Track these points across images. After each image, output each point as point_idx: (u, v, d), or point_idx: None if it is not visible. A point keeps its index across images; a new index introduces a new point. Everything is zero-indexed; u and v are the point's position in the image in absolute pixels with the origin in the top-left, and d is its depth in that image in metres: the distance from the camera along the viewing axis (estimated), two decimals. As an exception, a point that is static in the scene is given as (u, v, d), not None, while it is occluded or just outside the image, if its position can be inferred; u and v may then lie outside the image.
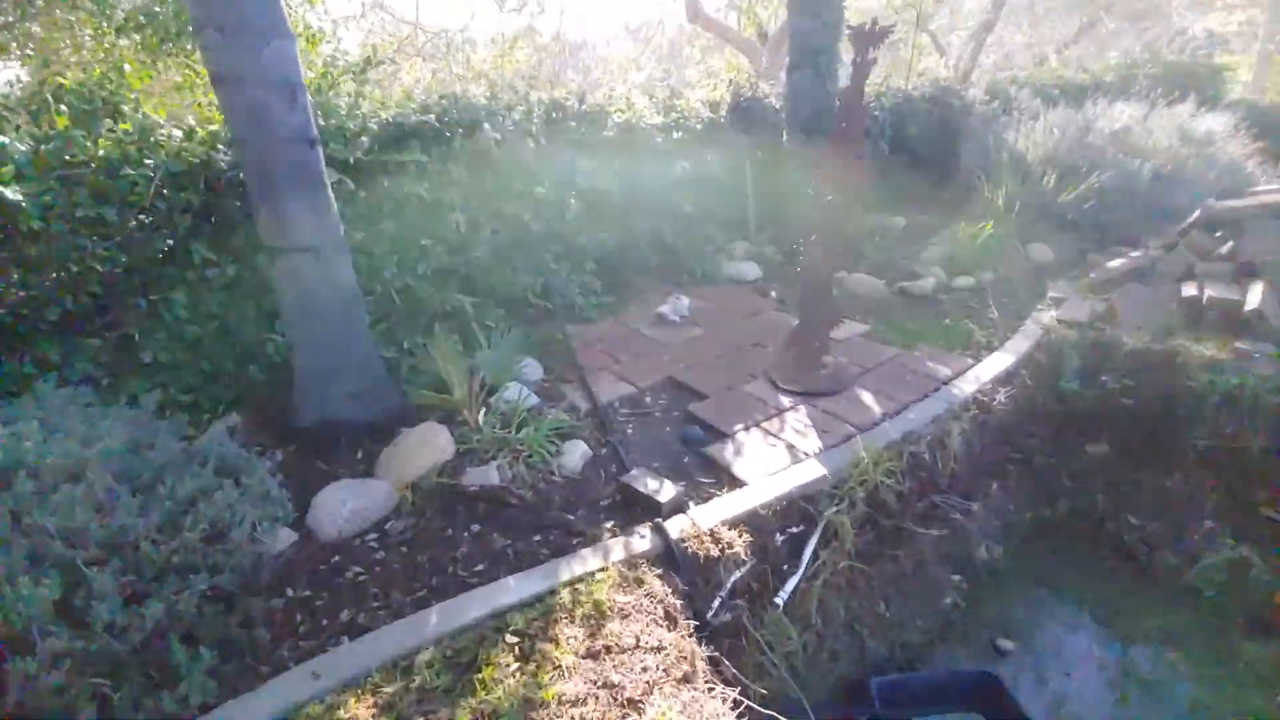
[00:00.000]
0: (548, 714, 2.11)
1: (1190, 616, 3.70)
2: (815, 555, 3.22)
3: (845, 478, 3.32)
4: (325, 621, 2.61)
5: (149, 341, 3.65)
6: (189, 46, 5.13)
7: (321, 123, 4.16)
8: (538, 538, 3.02)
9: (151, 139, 3.70)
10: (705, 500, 3.21)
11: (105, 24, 5.26)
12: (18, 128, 3.47)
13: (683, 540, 2.90)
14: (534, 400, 4.10)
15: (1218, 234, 5.07)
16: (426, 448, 3.42)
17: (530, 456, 3.47)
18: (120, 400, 3.33)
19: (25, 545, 2.18)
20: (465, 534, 3.07)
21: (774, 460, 3.43)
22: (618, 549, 2.85)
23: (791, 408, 3.92)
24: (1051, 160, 6.23)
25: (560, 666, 2.27)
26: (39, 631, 2.03)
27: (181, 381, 3.80)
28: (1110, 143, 6.28)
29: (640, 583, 2.68)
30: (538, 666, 2.27)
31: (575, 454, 3.53)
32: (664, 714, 2.11)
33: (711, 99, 6.82)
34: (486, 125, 4.80)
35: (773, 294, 5.69)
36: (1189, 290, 4.70)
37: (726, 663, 2.67)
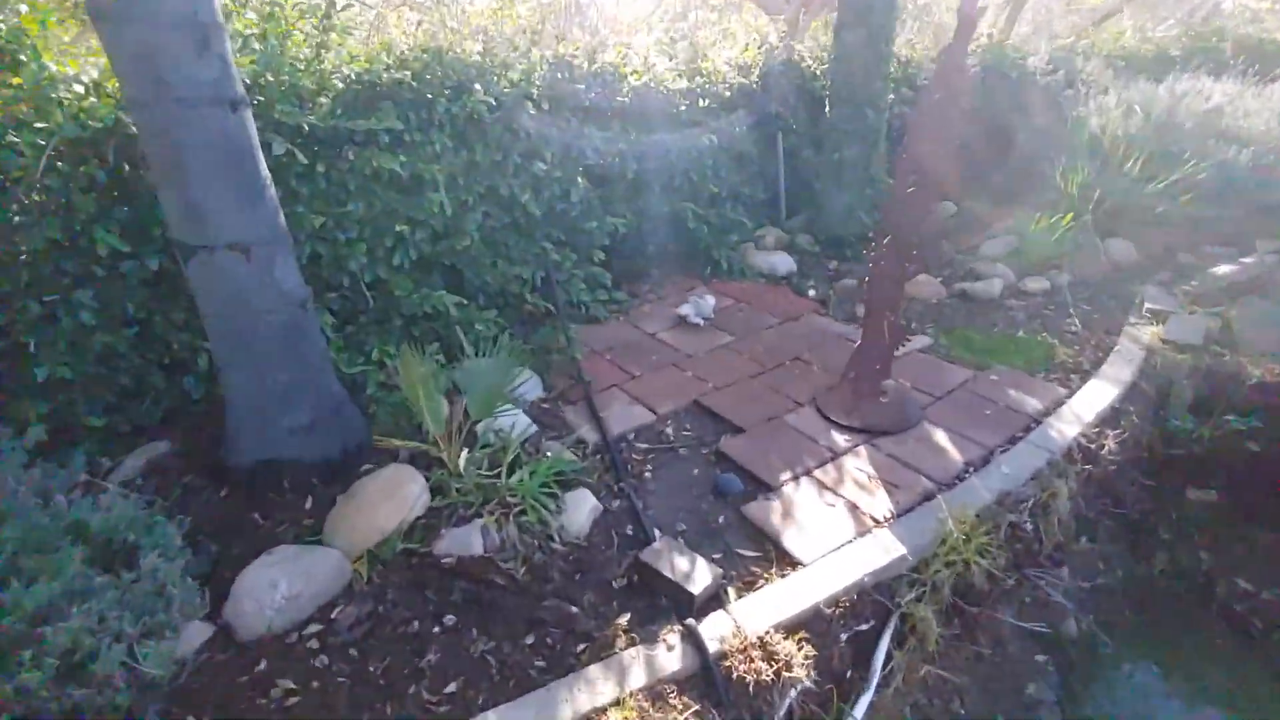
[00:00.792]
0: None
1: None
2: (888, 656, 2.49)
3: (928, 555, 2.58)
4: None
5: (46, 353, 2.88)
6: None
7: (267, 78, 3.34)
8: (530, 639, 2.29)
9: (50, 96, 2.88)
10: (749, 584, 2.48)
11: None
12: None
13: (724, 656, 2.17)
14: (531, 428, 3.35)
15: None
16: (391, 502, 2.68)
17: (524, 514, 2.72)
18: (9, 431, 2.57)
19: None
20: (436, 629, 2.34)
21: (835, 528, 2.68)
22: (637, 668, 2.12)
23: (849, 449, 3.17)
24: (1134, 143, 5.38)
25: None
26: None
27: (92, 402, 3.04)
28: (1200, 125, 5.43)
29: (669, 727, 1.95)
30: None
31: (581, 510, 2.79)
32: None
33: (740, 61, 5.93)
34: (478, 86, 3.96)
35: (811, 293, 4.90)
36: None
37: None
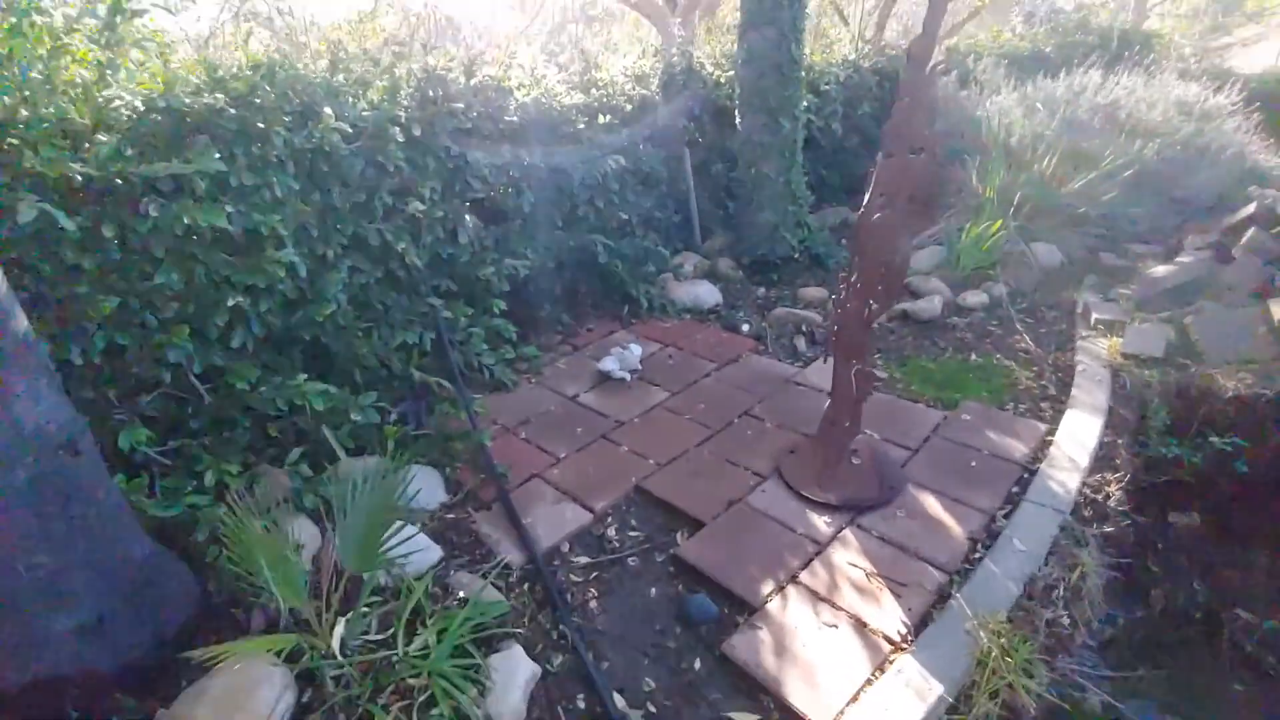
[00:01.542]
0: None
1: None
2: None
3: (965, 684, 2.04)
4: None
5: None
6: None
7: (21, 113, 2.40)
8: None
9: None
10: (753, 770, 1.84)
11: None
12: None
13: None
14: (432, 552, 2.59)
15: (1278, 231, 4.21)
16: (234, 722, 1.84)
17: (433, 705, 1.96)
18: None
19: None
20: None
21: (846, 663, 2.09)
22: None
23: (833, 536, 2.61)
24: (1041, 141, 5.25)
25: None
26: None
27: None
28: (1105, 120, 5.40)
29: None
30: None
31: (513, 684, 2.05)
32: None
33: (636, 70, 5.34)
34: (328, 110, 3.13)
35: (745, 327, 4.36)
36: (1281, 311, 3.71)
37: None
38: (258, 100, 2.96)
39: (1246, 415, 3.24)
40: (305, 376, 3.01)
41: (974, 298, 4.48)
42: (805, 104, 5.08)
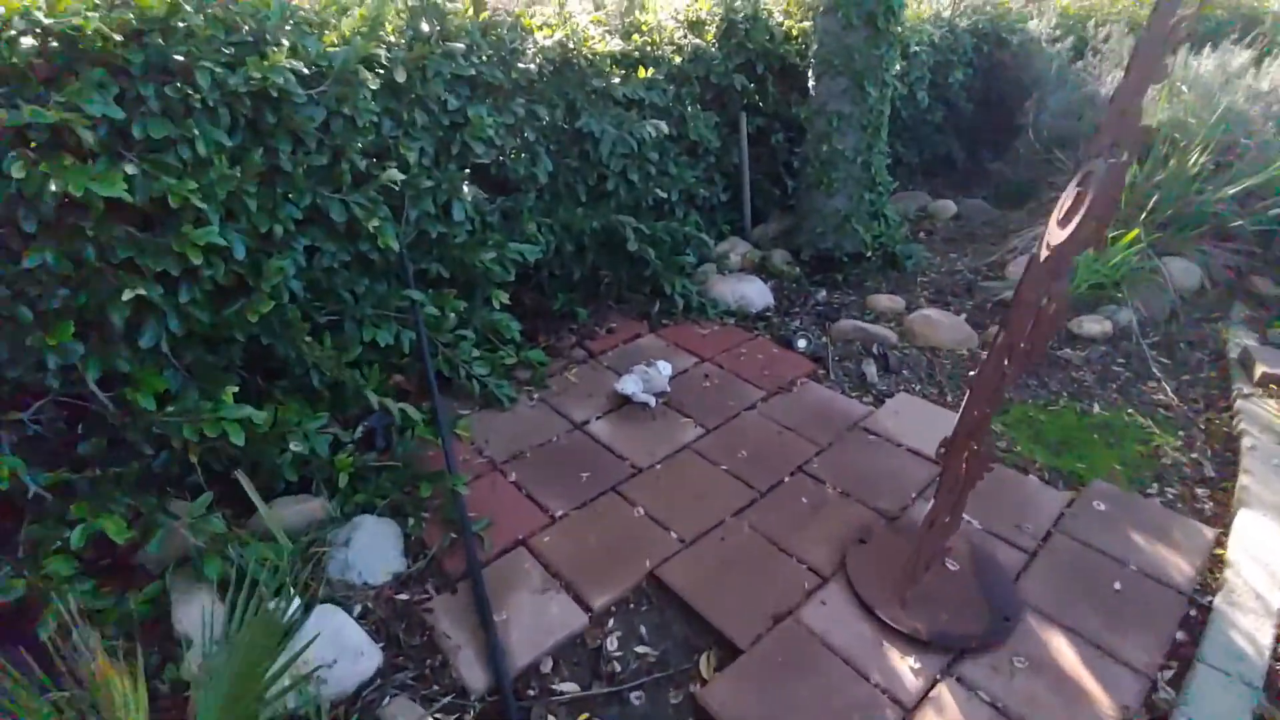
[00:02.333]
0: None
1: None
2: None
3: None
4: None
5: None
6: None
7: None
8: None
9: None
10: None
11: None
12: None
13: None
14: (367, 661, 1.91)
15: None
16: None
17: None
18: None
19: None
20: None
21: None
22: None
23: (924, 693, 1.84)
24: (1185, 133, 4.23)
25: None
26: None
27: None
28: (1264, 112, 4.35)
29: None
30: None
31: None
32: None
33: (690, 16, 4.41)
34: (284, 43, 2.36)
35: (801, 343, 3.53)
36: None
37: None
38: (179, 25, 2.19)
39: None
40: (236, 390, 2.32)
41: (1093, 325, 3.58)
42: (897, 68, 4.13)
